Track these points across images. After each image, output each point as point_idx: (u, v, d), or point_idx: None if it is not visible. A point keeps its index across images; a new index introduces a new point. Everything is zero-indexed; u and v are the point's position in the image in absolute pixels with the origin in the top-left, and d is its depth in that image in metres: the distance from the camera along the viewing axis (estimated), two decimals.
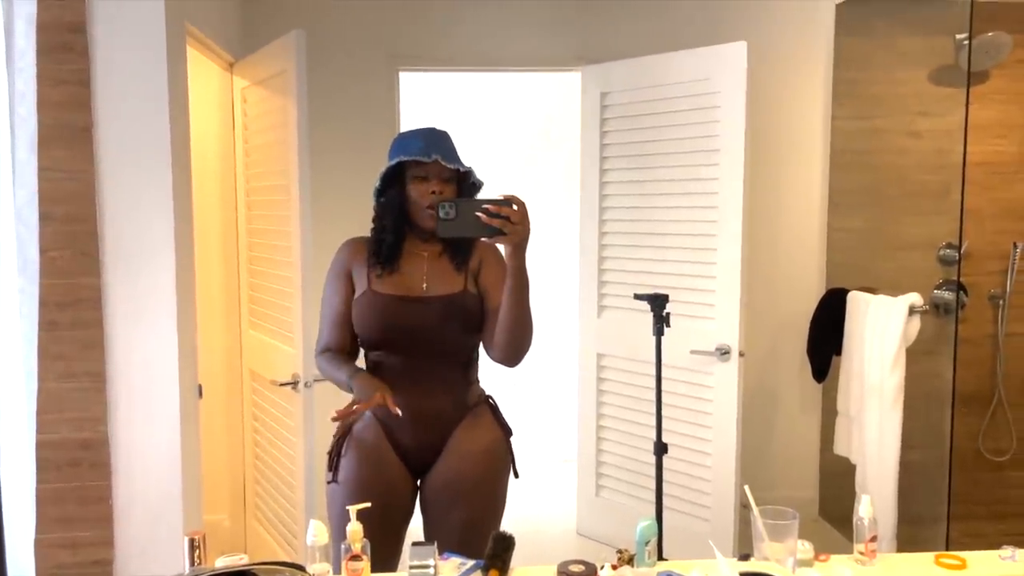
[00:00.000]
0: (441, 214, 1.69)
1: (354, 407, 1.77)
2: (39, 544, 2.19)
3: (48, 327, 2.24)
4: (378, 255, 1.91)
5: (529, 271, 1.78)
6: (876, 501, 2.88)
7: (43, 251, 2.17)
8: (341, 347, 1.96)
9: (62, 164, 2.24)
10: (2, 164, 1.86)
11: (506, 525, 1.90)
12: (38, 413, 2.22)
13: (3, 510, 1.64)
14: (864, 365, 2.98)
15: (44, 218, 2.18)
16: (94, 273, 2.28)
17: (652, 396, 3.25)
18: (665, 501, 3.21)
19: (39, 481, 2.24)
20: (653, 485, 3.26)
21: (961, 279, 3.15)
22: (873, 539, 1.48)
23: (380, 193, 1.93)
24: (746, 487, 1.46)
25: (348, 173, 3.47)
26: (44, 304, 2.19)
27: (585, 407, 3.61)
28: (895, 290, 2.98)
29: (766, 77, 3.55)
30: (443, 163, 1.84)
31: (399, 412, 1.78)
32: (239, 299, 3.37)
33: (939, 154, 3.10)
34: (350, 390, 1.86)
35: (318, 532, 1.44)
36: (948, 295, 3.07)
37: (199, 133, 3.12)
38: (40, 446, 2.24)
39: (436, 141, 1.87)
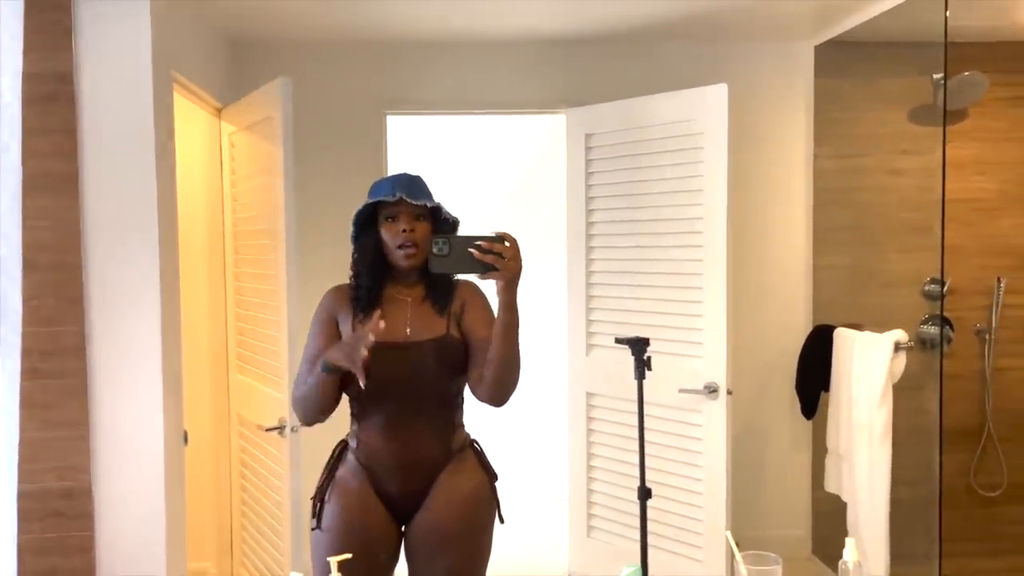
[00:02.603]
0: (434, 250, 1.70)
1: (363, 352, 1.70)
2: None
3: (31, 375, 2.24)
4: (358, 300, 1.91)
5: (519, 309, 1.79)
6: (867, 539, 2.88)
7: (27, 299, 2.17)
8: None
9: (48, 212, 2.25)
10: None
11: (496, 566, 1.88)
12: (20, 462, 2.20)
13: None
14: (851, 402, 2.98)
15: (28, 266, 2.19)
16: (78, 321, 2.28)
17: None
18: (656, 541, 3.18)
19: (21, 531, 2.22)
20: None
21: (946, 314, 3.16)
22: None
23: (356, 239, 1.95)
24: (727, 532, 1.45)
25: (336, 217, 3.45)
26: (27, 352, 2.18)
27: (575, 447, 3.59)
28: (881, 326, 2.99)
29: (748, 118, 3.61)
30: (408, 200, 1.86)
31: (382, 324, 1.72)
32: (226, 343, 3.37)
33: (921, 191, 3.13)
34: (329, 371, 1.79)
35: None
36: (933, 330, 3.08)
37: (187, 178, 3.14)
38: (22, 496, 2.22)
39: (403, 182, 1.90)
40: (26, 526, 2.23)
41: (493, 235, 1.69)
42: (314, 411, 1.86)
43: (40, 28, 2.19)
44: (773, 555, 1.38)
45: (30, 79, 2.15)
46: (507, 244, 1.69)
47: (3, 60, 1.94)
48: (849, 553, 1.47)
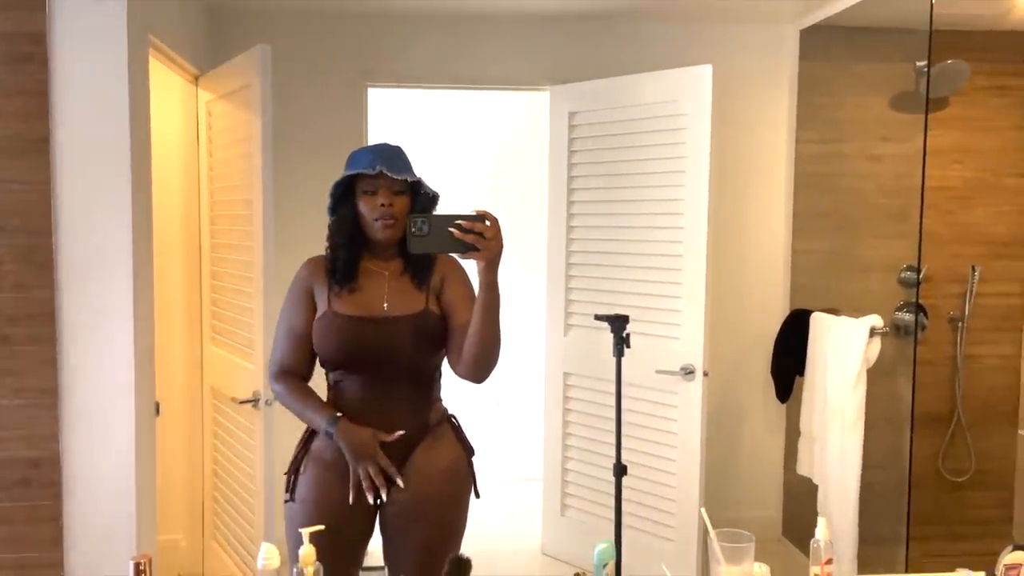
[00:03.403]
0: (413, 229, 1.68)
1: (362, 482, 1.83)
2: None
3: (0, 341, 2.19)
4: (334, 273, 1.88)
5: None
6: (837, 521, 2.91)
7: None
8: (297, 369, 1.92)
9: (18, 175, 2.20)
10: None
11: (470, 543, 1.88)
12: None
13: None
14: (826, 385, 3.01)
15: None
16: (48, 287, 2.24)
17: None
18: (629, 520, 3.20)
19: None
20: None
21: (921, 301, 3.19)
22: (829, 562, 1.49)
23: (333, 210, 1.91)
24: (702, 510, 1.46)
25: (314, 189, 3.40)
26: None
27: (551, 426, 3.60)
28: (857, 311, 3.02)
29: (732, 100, 3.60)
30: (389, 174, 1.83)
31: (399, 433, 1.83)
32: (201, 314, 3.32)
33: (899, 178, 3.15)
34: (328, 436, 1.85)
35: (269, 555, 1.41)
36: (908, 317, 3.11)
37: (162, 145, 3.08)
38: None
39: (384, 154, 1.86)
40: None
41: (473, 214, 1.67)
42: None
43: None
44: (747, 533, 1.38)
45: (2, 38, 2.09)
46: (487, 223, 1.67)
47: None
48: (820, 532, 1.49)
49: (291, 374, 1.93)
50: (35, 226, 2.22)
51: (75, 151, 2.25)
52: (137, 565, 1.26)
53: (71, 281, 2.26)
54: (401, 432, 1.83)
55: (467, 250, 1.67)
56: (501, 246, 1.69)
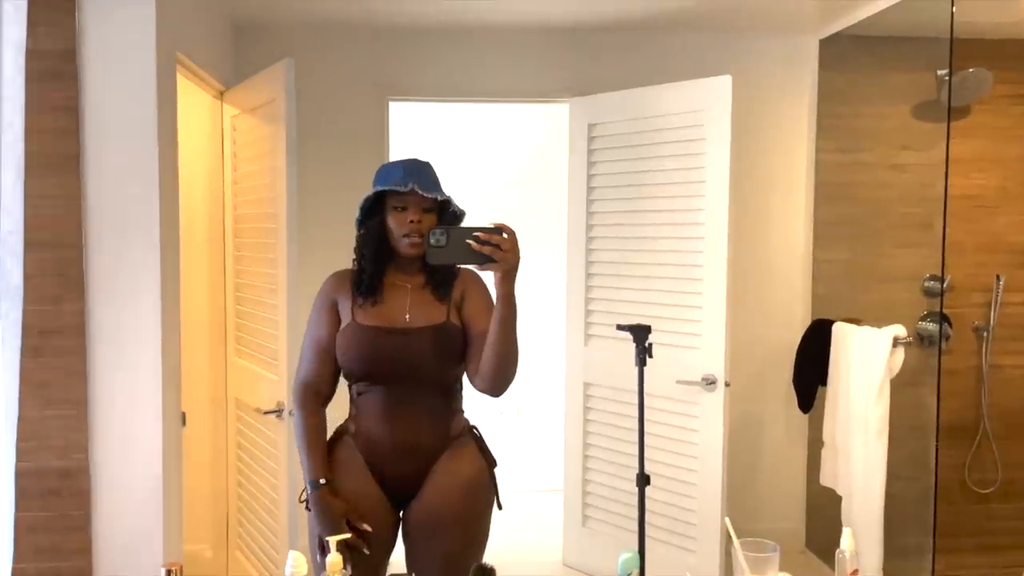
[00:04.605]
0: (432, 240, 1.71)
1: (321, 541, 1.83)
2: (16, 574, 2.16)
3: (31, 353, 2.23)
4: (359, 286, 1.91)
5: (517, 299, 1.79)
6: (862, 533, 2.89)
7: (28, 277, 2.17)
8: (321, 386, 1.95)
9: (50, 191, 2.24)
10: None
11: (492, 555, 1.89)
12: (19, 440, 2.20)
13: None
14: (849, 396, 2.99)
15: (30, 244, 2.18)
16: (78, 299, 2.28)
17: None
18: (650, 531, 3.19)
19: (19, 509, 2.22)
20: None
21: (945, 311, 3.17)
22: (854, 573, 1.48)
23: (361, 223, 1.94)
24: (727, 519, 1.46)
25: (336, 202, 3.48)
26: (27, 330, 2.18)
27: (572, 436, 3.60)
28: (879, 321, 3.00)
29: (752, 110, 3.60)
30: (420, 192, 1.86)
31: (368, 528, 1.83)
32: (225, 326, 3.36)
33: (922, 187, 3.13)
34: (309, 487, 1.88)
35: (297, 563, 1.43)
36: (932, 327, 3.09)
37: (188, 160, 3.13)
38: (20, 474, 2.22)
39: (415, 171, 1.89)
40: (24, 504, 2.23)
41: (491, 226, 1.69)
42: None
43: (45, 3, 2.18)
44: (771, 543, 1.38)
45: (33, 55, 2.13)
46: (505, 235, 1.68)
47: (5, 33, 1.93)
48: (846, 543, 1.48)
49: (314, 394, 1.95)
50: (66, 240, 2.26)
51: (105, 167, 2.29)
52: (169, 572, 1.28)
53: (100, 294, 2.30)
54: (368, 528, 1.83)
55: (484, 262, 1.69)
56: (518, 258, 1.71)
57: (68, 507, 2.30)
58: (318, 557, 1.51)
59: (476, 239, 1.67)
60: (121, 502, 2.33)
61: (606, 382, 3.45)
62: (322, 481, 1.87)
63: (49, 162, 2.23)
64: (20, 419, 2.16)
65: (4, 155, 1.92)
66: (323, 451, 1.92)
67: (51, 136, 2.24)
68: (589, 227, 3.48)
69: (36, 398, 2.26)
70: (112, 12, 2.27)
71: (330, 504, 1.85)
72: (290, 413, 2.66)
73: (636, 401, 3.25)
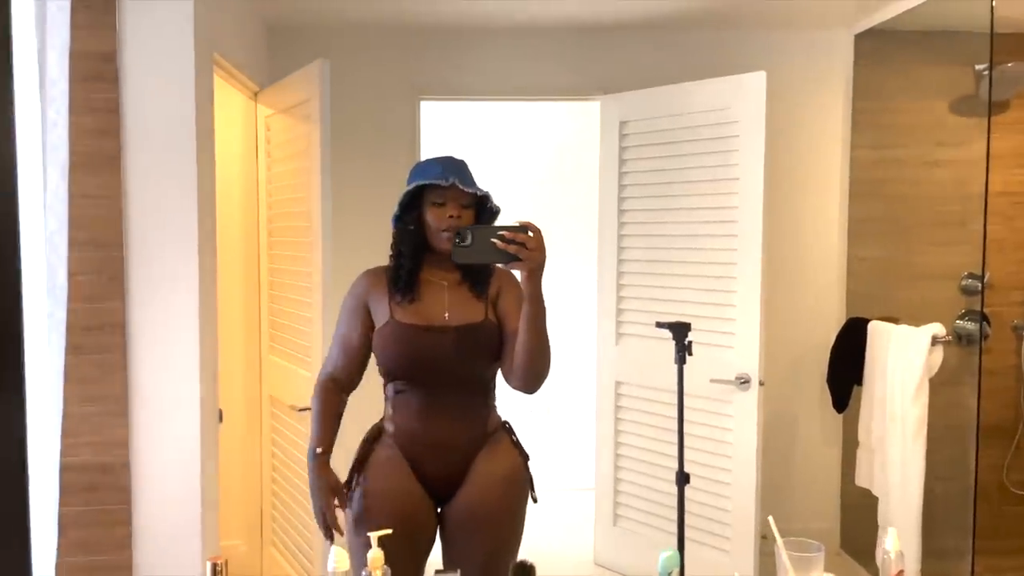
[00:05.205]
0: (458, 239, 1.72)
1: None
2: (60, 568, 2.19)
3: (73, 351, 2.27)
4: (397, 282, 1.91)
5: (547, 298, 1.79)
6: (899, 534, 2.85)
7: (70, 275, 2.20)
8: (344, 380, 2.00)
9: (92, 190, 2.27)
10: (34, 191, 1.89)
11: (523, 554, 1.88)
12: (62, 436, 2.24)
13: (31, 534, 1.65)
14: (886, 396, 2.95)
15: (73, 242, 2.21)
16: (118, 298, 2.31)
17: (671, 425, 3.22)
18: (684, 531, 3.17)
19: (61, 504, 2.25)
20: (672, 515, 3.23)
21: (984, 309, 3.12)
22: (900, 573, 1.46)
23: (398, 219, 1.94)
24: (770, 518, 1.45)
25: (368, 201, 3.50)
26: (70, 328, 2.21)
27: (603, 435, 3.59)
28: (916, 320, 2.96)
29: (785, 106, 3.56)
30: (461, 187, 1.86)
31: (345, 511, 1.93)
32: (259, 324, 3.40)
33: (959, 184, 3.08)
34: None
35: (339, 559, 1.44)
36: (971, 325, 3.04)
37: (223, 160, 3.16)
38: (63, 469, 2.26)
39: (454, 167, 1.89)
40: (66, 499, 2.26)
41: (517, 225, 1.69)
42: None
43: (87, 6, 2.21)
44: (815, 542, 1.37)
45: (76, 57, 2.16)
46: (531, 234, 1.68)
47: (49, 36, 1.96)
48: (891, 543, 1.46)
49: (336, 382, 1.99)
50: (107, 239, 2.29)
51: (144, 167, 2.32)
52: (215, 565, 1.29)
53: (140, 292, 2.33)
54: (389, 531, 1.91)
55: (510, 260, 1.69)
56: (544, 257, 1.70)
57: (109, 501, 2.33)
58: (368, 554, 1.50)
59: (502, 238, 1.68)
60: (160, 497, 2.36)
61: (637, 381, 3.44)
62: (319, 450, 1.93)
63: (91, 162, 2.26)
64: (63, 415, 2.19)
65: (49, 155, 1.95)
66: (331, 425, 1.98)
67: (93, 137, 2.27)
68: (620, 225, 3.47)
69: (78, 394, 2.29)
70: (152, 14, 2.30)
71: (323, 475, 1.91)
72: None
73: (668, 400, 3.26)
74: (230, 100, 3.28)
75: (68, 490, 2.27)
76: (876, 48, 3.50)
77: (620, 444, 3.53)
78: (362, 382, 2.14)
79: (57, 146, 1.95)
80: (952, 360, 2.92)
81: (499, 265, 1.78)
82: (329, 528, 1.91)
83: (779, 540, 1.38)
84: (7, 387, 0.95)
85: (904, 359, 2.89)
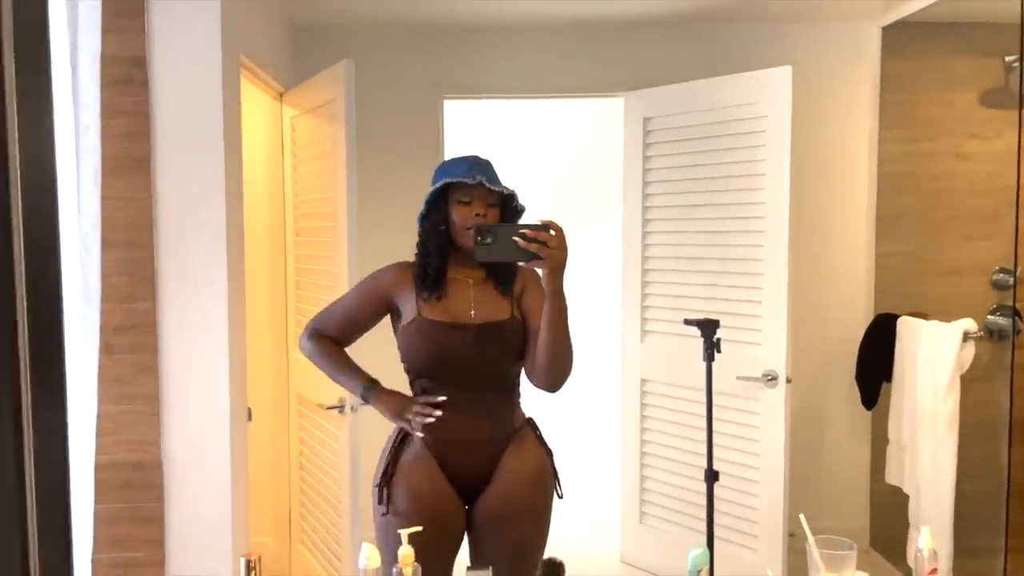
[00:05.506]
0: (479, 238, 1.72)
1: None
2: (95, 563, 2.23)
3: (106, 350, 2.30)
4: (424, 280, 1.92)
5: (570, 296, 1.79)
6: (931, 533, 2.82)
7: (103, 277, 2.23)
8: (334, 338, 2.02)
9: (123, 193, 2.31)
10: (67, 194, 1.92)
11: (549, 551, 1.89)
12: (96, 435, 2.27)
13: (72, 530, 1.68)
14: (917, 392, 2.92)
15: (105, 244, 2.25)
16: (149, 298, 2.34)
17: (697, 422, 3.22)
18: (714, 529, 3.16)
19: (96, 501, 2.29)
20: (698, 512, 3.22)
21: (1016, 304, 3.07)
22: (934, 571, 1.45)
23: (424, 218, 1.95)
24: (801, 515, 1.44)
25: (393, 200, 3.52)
26: (103, 328, 2.25)
27: (629, 433, 3.59)
28: (946, 316, 2.92)
29: (812, 101, 3.53)
30: (487, 185, 1.86)
31: (439, 413, 1.87)
32: (286, 323, 3.43)
33: (990, 177, 3.04)
34: (363, 401, 1.95)
35: (371, 556, 1.45)
36: (1003, 320, 2.99)
37: (249, 161, 3.19)
38: (97, 467, 2.29)
39: (480, 166, 1.90)
40: (101, 496, 2.30)
41: (538, 223, 1.70)
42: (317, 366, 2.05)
43: (117, 11, 2.24)
44: (848, 540, 1.36)
45: (106, 61, 2.20)
46: (552, 233, 1.68)
47: (81, 41, 1.99)
48: (925, 541, 1.45)
49: (328, 341, 2.01)
50: (137, 241, 2.33)
51: (173, 169, 2.35)
52: (248, 562, 1.31)
53: (170, 293, 2.36)
54: (443, 398, 1.89)
55: (531, 259, 1.70)
56: (565, 256, 1.71)
57: (142, 499, 2.37)
58: (399, 550, 1.47)
59: (523, 236, 1.68)
60: (191, 495, 2.39)
61: (663, 378, 3.43)
62: (373, 381, 1.97)
63: (121, 165, 2.30)
64: (97, 414, 2.23)
65: (82, 159, 1.98)
66: (355, 365, 2.00)
67: (123, 140, 2.31)
68: (645, 222, 3.46)
69: (110, 394, 2.33)
70: (180, 18, 2.32)
71: (391, 395, 1.94)
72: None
73: (693, 397, 3.25)
74: (256, 101, 3.31)
75: (102, 487, 2.31)
76: (904, 40, 3.46)
77: (646, 442, 3.52)
78: (387, 381, 2.16)
79: (90, 150, 1.98)
80: (984, 356, 2.88)
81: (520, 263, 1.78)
82: (426, 409, 1.87)
83: (811, 538, 1.37)
84: (51, 389, 0.97)
85: (935, 355, 2.85)
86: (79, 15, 1.96)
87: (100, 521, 2.31)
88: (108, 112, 2.27)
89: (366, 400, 1.95)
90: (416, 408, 1.87)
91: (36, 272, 0.95)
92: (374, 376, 2.01)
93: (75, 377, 1.97)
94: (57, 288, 0.99)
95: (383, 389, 1.96)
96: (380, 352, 2.20)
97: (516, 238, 1.68)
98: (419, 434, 1.87)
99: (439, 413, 1.86)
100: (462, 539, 1.97)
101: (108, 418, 2.33)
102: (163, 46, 2.32)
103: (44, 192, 0.96)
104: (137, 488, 2.37)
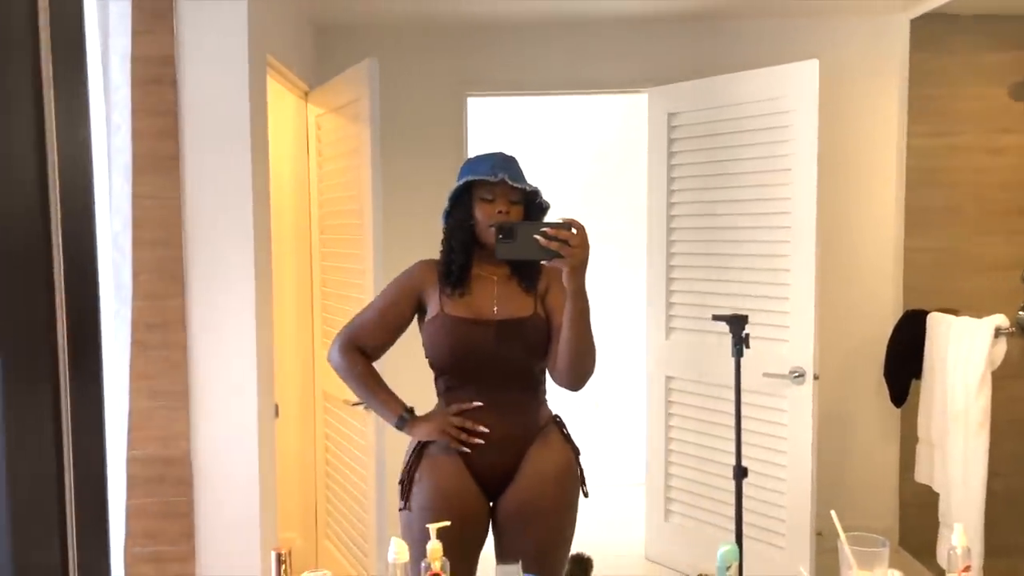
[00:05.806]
0: (500, 236, 1.72)
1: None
2: (127, 557, 2.26)
3: (136, 348, 2.33)
4: (448, 276, 1.93)
5: (595, 292, 1.78)
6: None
7: (134, 275, 2.26)
8: (368, 346, 2.00)
9: (152, 191, 2.34)
10: (99, 193, 1.95)
11: (574, 549, 1.89)
12: (128, 430, 2.30)
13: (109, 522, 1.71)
14: (947, 389, 2.88)
15: (135, 242, 2.27)
16: (178, 296, 2.37)
17: (722, 419, 3.20)
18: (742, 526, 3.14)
19: (128, 496, 2.32)
20: (724, 509, 3.21)
21: None
22: (967, 569, 1.43)
23: (449, 215, 1.96)
24: (832, 512, 1.43)
25: (418, 197, 3.53)
26: (134, 325, 2.28)
27: (654, 430, 3.57)
28: (977, 311, 2.88)
29: (839, 95, 3.49)
30: (510, 183, 1.86)
31: (484, 430, 1.87)
32: (312, 320, 3.45)
33: (1021, 171, 3.00)
34: (400, 429, 1.96)
35: (399, 550, 1.46)
36: None
37: (275, 159, 3.21)
38: (129, 462, 2.33)
39: (504, 163, 1.90)
40: (133, 490, 2.33)
41: (560, 221, 1.69)
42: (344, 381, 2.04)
43: (146, 12, 2.27)
44: (880, 538, 1.34)
45: (136, 61, 2.22)
46: (574, 231, 1.68)
47: (111, 42, 2.01)
48: (958, 539, 1.43)
49: (358, 349, 1.98)
50: (167, 239, 2.35)
51: (201, 167, 2.37)
52: (279, 555, 1.32)
53: (198, 290, 2.39)
54: (479, 404, 1.90)
55: (552, 257, 1.69)
56: (587, 254, 1.70)
57: (172, 494, 2.40)
58: (426, 545, 1.48)
59: (544, 234, 1.68)
60: (220, 490, 2.42)
61: (688, 375, 3.41)
62: (409, 410, 1.96)
63: (152, 163, 2.33)
64: (129, 410, 2.25)
65: (113, 159, 2.01)
66: (390, 391, 1.99)
67: (152, 139, 2.33)
68: (670, 218, 3.45)
69: (141, 390, 2.36)
70: (207, 19, 2.35)
71: (427, 418, 1.93)
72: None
73: (719, 394, 3.23)
74: (282, 100, 3.34)
75: (134, 482, 2.34)
76: (933, 33, 3.42)
77: (671, 439, 3.51)
78: (411, 380, 2.16)
79: (121, 149, 2.00)
80: (1015, 352, 2.83)
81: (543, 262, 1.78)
82: (472, 427, 1.89)
83: (842, 535, 1.36)
84: (88, 384, 0.99)
85: (966, 351, 2.81)
86: (109, 17, 1.99)
87: (132, 515, 2.35)
88: (138, 111, 2.30)
89: (400, 429, 1.95)
90: (456, 420, 1.89)
91: (74, 270, 0.96)
92: (404, 397, 2.01)
93: (108, 373, 2.00)
94: (94, 286, 1.00)
95: (417, 417, 1.95)
96: (400, 351, 2.20)
97: (537, 236, 1.68)
98: (465, 449, 1.89)
99: (484, 429, 1.88)
100: (486, 536, 1.98)
101: (140, 413, 2.36)
102: (191, 46, 2.35)
103: (81, 192, 0.97)
104: (168, 483, 2.40)
